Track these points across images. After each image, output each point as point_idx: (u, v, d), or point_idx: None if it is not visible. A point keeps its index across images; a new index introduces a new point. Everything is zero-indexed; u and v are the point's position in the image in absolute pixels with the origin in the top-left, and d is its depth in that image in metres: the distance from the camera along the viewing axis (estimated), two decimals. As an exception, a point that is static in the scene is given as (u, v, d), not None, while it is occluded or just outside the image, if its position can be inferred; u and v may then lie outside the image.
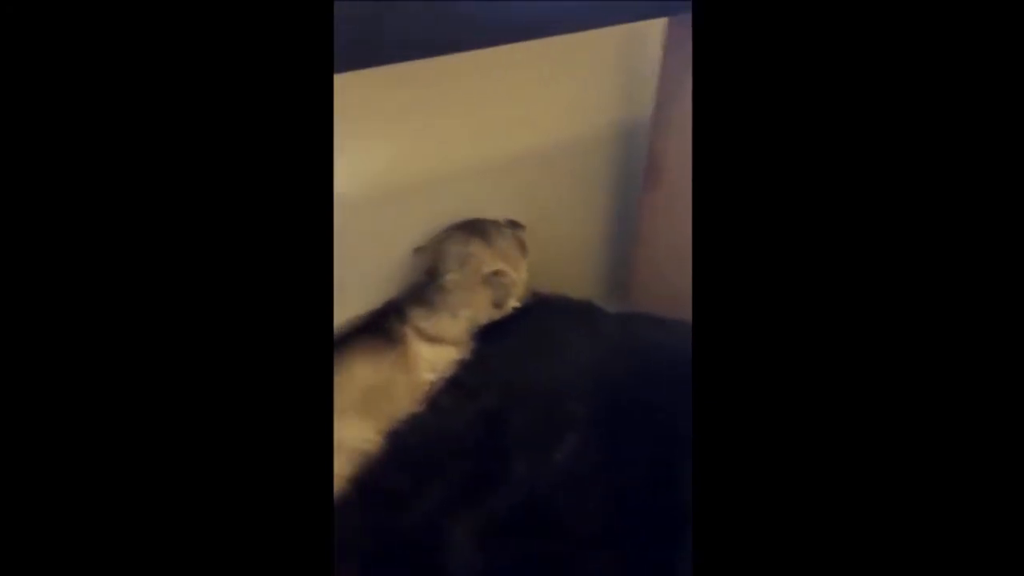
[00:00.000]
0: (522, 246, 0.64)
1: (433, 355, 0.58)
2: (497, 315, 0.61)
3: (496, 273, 0.61)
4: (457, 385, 0.55)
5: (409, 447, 0.52)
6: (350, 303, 0.63)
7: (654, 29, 0.64)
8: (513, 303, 0.62)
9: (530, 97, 0.67)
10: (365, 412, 0.56)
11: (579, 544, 0.47)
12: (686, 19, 0.60)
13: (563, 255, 0.72)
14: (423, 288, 0.61)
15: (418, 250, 0.63)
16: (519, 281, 0.63)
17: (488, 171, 0.67)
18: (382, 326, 0.60)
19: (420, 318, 0.60)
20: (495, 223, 0.64)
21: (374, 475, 0.50)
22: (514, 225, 0.65)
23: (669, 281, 0.71)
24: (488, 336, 0.60)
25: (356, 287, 0.63)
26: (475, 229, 0.62)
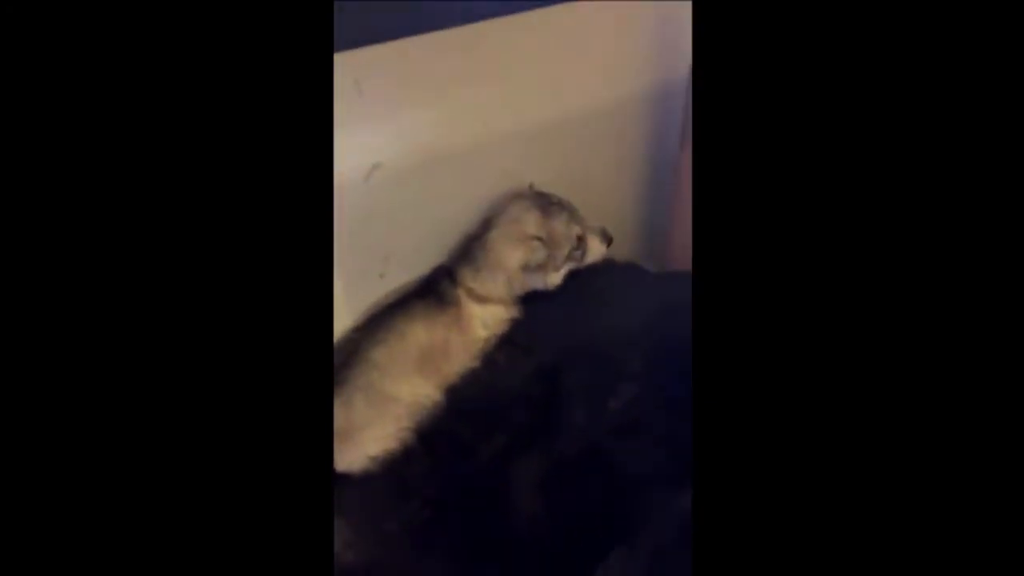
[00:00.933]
0: (580, 241, 0.64)
1: (484, 313, 0.61)
2: (525, 281, 0.62)
3: (534, 238, 0.62)
4: (512, 343, 0.57)
5: (470, 401, 0.55)
6: (397, 271, 0.66)
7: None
8: (541, 278, 0.63)
9: (565, 62, 0.68)
10: (422, 370, 0.59)
11: (634, 484, 0.49)
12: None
13: (604, 218, 0.74)
14: (471, 242, 0.64)
15: (494, 201, 0.65)
16: (555, 258, 0.63)
17: (527, 137, 0.69)
18: (435, 290, 0.63)
19: (468, 278, 0.62)
20: (572, 211, 0.65)
21: (438, 427, 0.54)
22: (602, 233, 0.66)
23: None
24: (540, 297, 0.62)
25: (404, 254, 0.66)
26: (540, 202, 0.64)
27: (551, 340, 0.58)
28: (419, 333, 0.60)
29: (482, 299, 0.62)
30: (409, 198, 0.63)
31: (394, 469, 0.52)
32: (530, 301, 0.63)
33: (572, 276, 0.65)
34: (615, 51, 0.71)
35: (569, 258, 0.64)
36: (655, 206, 0.81)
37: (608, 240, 0.67)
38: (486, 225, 0.64)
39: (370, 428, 0.56)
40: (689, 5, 0.64)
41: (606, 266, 0.69)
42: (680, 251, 0.76)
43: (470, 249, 0.63)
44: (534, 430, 0.52)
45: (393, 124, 0.60)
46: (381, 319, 0.61)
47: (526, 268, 0.62)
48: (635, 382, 0.52)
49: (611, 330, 0.58)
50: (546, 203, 0.64)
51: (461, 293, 0.62)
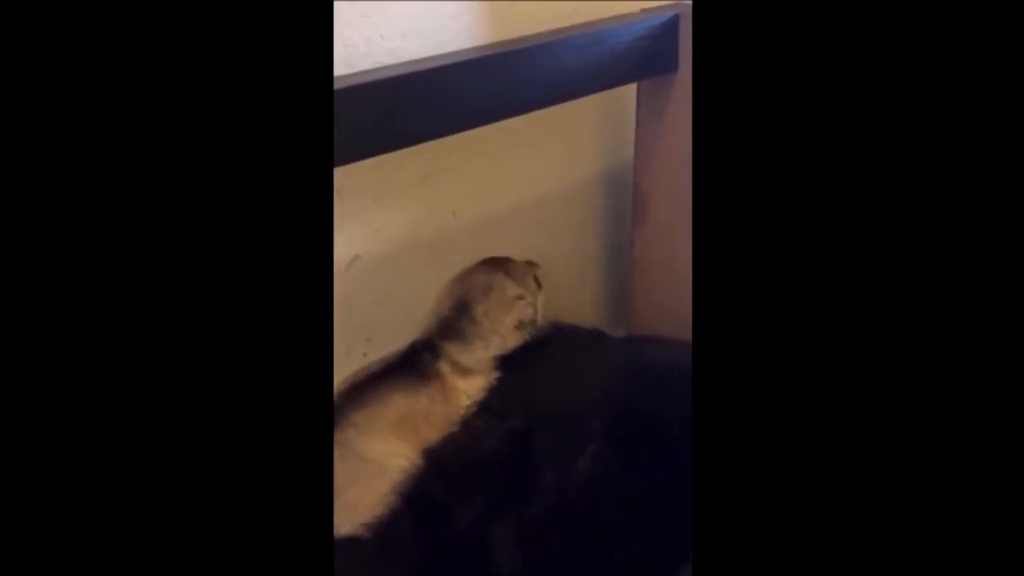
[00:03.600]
0: (536, 281, 0.72)
1: (467, 385, 0.66)
2: (520, 337, 0.69)
3: (518, 297, 0.70)
4: (488, 409, 0.62)
5: (450, 464, 0.59)
6: (379, 350, 0.71)
7: (626, 90, 0.73)
8: (531, 327, 0.70)
9: (523, 156, 0.76)
10: (399, 431, 0.63)
11: (601, 540, 0.53)
12: (659, 79, 0.69)
13: (569, 289, 0.80)
14: (454, 321, 0.69)
15: (452, 283, 0.71)
16: (537, 306, 0.71)
17: (493, 223, 0.76)
18: (415, 363, 0.67)
19: (456, 352, 0.67)
20: (513, 260, 0.72)
21: (421, 490, 0.57)
22: (531, 264, 0.74)
23: (664, 304, 0.78)
24: (513, 365, 0.67)
25: (383, 335, 0.71)
26: (496, 263, 0.71)
27: (522, 405, 0.62)
28: (399, 400, 0.64)
29: (466, 372, 0.67)
30: (386, 285, 0.69)
31: (380, 531, 0.55)
32: (507, 368, 0.68)
33: (541, 343, 0.71)
34: (568, 143, 0.79)
35: (536, 288, 0.72)
36: (616, 276, 0.88)
37: (536, 265, 0.75)
38: (464, 303, 0.69)
39: (347, 488, 0.59)
40: (633, 103, 0.73)
41: (572, 331, 0.74)
42: (641, 316, 0.82)
43: (455, 326, 0.69)
44: (509, 492, 0.56)
45: (370, 222, 0.67)
46: (364, 385, 0.66)
47: (520, 326, 0.69)
48: (597, 443, 0.56)
49: (577, 393, 0.63)
50: (503, 265, 0.72)
51: (444, 368, 0.67)
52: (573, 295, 0.80)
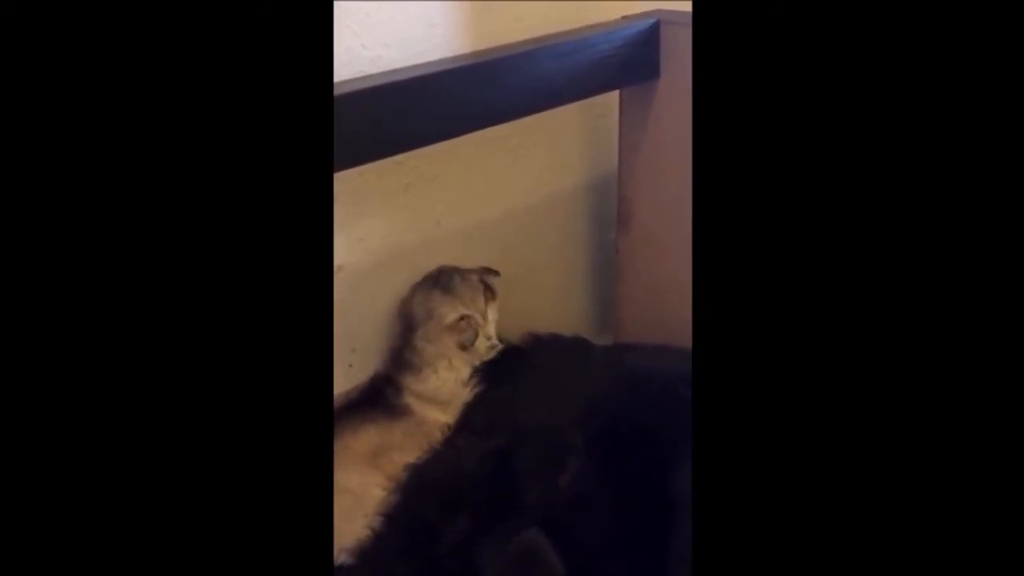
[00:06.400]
0: (488, 289, 0.69)
1: (442, 414, 0.63)
2: (467, 358, 0.66)
3: (460, 319, 0.66)
4: (469, 427, 0.60)
5: (433, 483, 0.57)
6: (364, 361, 0.69)
7: (610, 98, 0.72)
8: (483, 343, 0.67)
9: (509, 166, 0.75)
10: (374, 462, 0.61)
11: (586, 555, 0.52)
12: (642, 86, 0.69)
13: (551, 298, 0.79)
14: (402, 351, 0.66)
15: (399, 304, 0.69)
16: (485, 322, 0.67)
17: (477, 231, 0.75)
18: (381, 395, 0.65)
19: (413, 383, 0.65)
20: (459, 271, 0.68)
21: (405, 509, 0.56)
22: (485, 272, 0.70)
23: (650, 311, 0.77)
24: (493, 379, 0.66)
25: (368, 346, 0.70)
26: (436, 281, 0.67)
27: (504, 421, 0.61)
28: (371, 432, 0.62)
29: (434, 400, 0.64)
30: (371, 295, 0.68)
31: (365, 554, 0.54)
32: (484, 382, 0.67)
33: (521, 355, 0.69)
34: (552, 151, 0.78)
35: (486, 300, 0.68)
36: (601, 283, 0.87)
37: (494, 272, 0.70)
38: (407, 329, 0.67)
39: None
40: (616, 111, 0.72)
41: (554, 341, 0.73)
42: (625, 324, 0.82)
43: (403, 357, 0.66)
44: (494, 510, 0.54)
45: (353, 231, 0.65)
46: (335, 418, 0.63)
47: (464, 348, 0.66)
48: (582, 456, 0.55)
49: (560, 406, 0.62)
50: (445, 280, 0.67)
51: (411, 401, 0.64)
52: (558, 303, 0.79)
